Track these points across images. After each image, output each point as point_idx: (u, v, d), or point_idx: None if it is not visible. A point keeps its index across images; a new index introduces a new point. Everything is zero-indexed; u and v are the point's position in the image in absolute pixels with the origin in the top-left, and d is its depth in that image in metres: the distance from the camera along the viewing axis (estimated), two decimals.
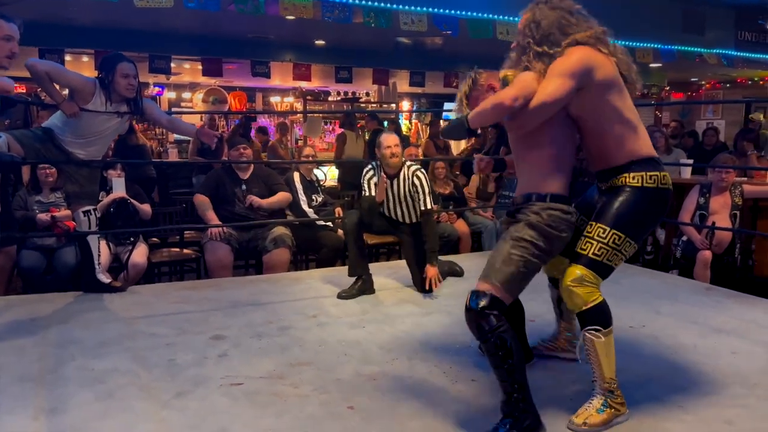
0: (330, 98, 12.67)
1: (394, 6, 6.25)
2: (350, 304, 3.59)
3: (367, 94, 13.18)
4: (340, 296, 3.68)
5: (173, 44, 8.06)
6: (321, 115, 11.94)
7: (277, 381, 2.46)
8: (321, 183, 5.59)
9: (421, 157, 6.56)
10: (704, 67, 10.19)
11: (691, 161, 5.97)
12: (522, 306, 2.52)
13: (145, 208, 4.41)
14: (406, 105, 13.98)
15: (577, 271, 2.09)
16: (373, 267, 3.93)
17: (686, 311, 3.41)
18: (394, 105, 12.29)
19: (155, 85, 11.41)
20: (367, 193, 3.84)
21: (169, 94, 12.06)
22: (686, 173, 5.67)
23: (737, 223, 4.66)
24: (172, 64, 8.65)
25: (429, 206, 3.81)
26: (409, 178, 3.84)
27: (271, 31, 7.99)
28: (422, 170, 3.90)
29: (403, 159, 3.90)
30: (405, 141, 4.08)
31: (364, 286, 3.76)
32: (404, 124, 13.65)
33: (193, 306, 3.49)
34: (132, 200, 4.27)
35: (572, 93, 2.07)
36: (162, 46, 8.00)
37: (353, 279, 3.76)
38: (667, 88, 15.03)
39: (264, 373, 2.53)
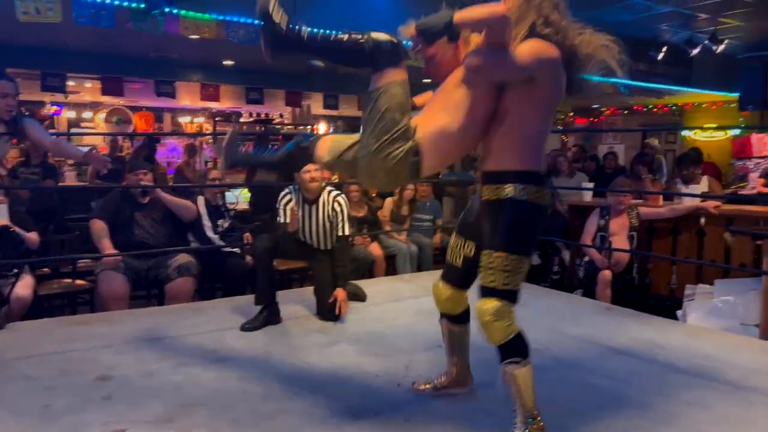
0: (242, 119, 12.42)
1: None
2: (254, 335, 3.42)
3: (281, 116, 13.02)
4: (243, 328, 3.50)
5: (68, 61, 7.59)
6: None
7: (164, 425, 2.27)
8: (231, 207, 5.38)
9: (336, 180, 6.49)
10: (604, 95, 10.79)
11: (591, 185, 6.24)
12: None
13: (32, 236, 4.06)
14: (322, 127, 13.91)
15: (491, 304, 2.06)
16: (281, 294, 3.78)
17: (588, 332, 3.48)
18: (309, 127, 12.19)
19: (52, 103, 10.73)
20: (282, 220, 3.72)
21: (68, 114, 11.40)
22: (588, 196, 5.92)
23: (634, 244, 4.87)
24: (71, 83, 8.19)
25: (346, 232, 3.77)
26: (329, 203, 3.76)
27: (175, 50, 7.73)
28: (343, 196, 3.83)
29: (323, 184, 3.81)
30: None
31: (270, 316, 3.59)
32: None
33: (80, 343, 3.20)
34: (16, 228, 3.93)
35: (529, 70, 2.00)
36: (56, 63, 7.52)
37: (259, 308, 3.61)
38: (572, 114, 15.89)
39: (151, 417, 2.33)
